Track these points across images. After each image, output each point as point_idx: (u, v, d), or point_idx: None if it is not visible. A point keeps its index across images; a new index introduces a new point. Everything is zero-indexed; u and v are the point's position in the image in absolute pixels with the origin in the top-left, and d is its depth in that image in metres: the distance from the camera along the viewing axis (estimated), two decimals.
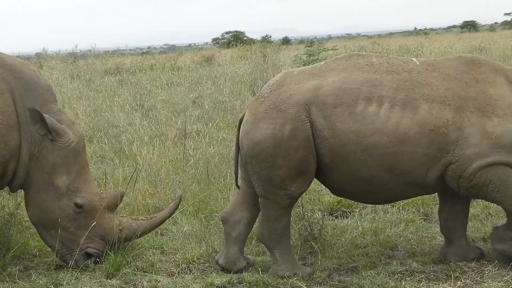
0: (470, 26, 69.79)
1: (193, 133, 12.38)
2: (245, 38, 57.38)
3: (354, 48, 31.26)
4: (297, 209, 7.13)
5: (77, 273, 6.27)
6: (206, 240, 7.04)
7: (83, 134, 6.71)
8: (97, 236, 6.51)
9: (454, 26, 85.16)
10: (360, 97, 5.84)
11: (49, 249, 6.74)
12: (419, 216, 7.84)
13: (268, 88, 6.15)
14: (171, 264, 6.61)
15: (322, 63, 6.30)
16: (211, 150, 10.66)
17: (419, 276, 6.02)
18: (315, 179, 6.20)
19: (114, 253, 6.52)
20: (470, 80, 6.01)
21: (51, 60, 32.05)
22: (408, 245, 6.85)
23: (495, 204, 6.49)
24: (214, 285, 6.00)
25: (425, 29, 61.42)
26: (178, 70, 25.86)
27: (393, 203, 7.78)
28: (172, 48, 72.49)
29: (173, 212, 6.93)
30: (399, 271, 6.16)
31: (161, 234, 7.53)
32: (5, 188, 6.71)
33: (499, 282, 5.77)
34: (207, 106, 15.35)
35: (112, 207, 6.64)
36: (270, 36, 51.05)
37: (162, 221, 6.83)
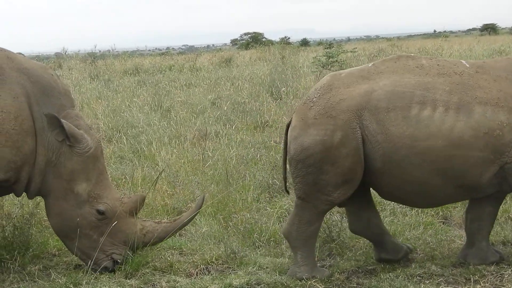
0: (490, 29, 69.43)
1: (212, 134, 12.40)
2: (263, 39, 57.32)
3: (373, 50, 31.15)
4: None
5: (97, 273, 6.30)
6: (225, 241, 7.05)
7: (100, 140, 6.64)
8: (121, 241, 6.46)
9: (474, 29, 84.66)
10: (413, 101, 5.80)
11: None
12: (438, 219, 7.80)
13: (316, 92, 6.07)
14: (189, 264, 6.63)
15: (369, 64, 6.24)
16: (230, 151, 10.68)
17: (438, 279, 6.00)
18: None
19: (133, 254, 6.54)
20: None
21: (70, 60, 32.17)
22: (427, 248, 6.82)
23: None
24: (233, 286, 6.02)
25: (445, 31, 61.14)
26: (197, 71, 25.89)
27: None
28: (191, 49, 72.60)
29: (196, 214, 6.85)
30: (418, 274, 6.14)
31: (179, 234, 7.50)
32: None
33: None
34: (225, 107, 15.32)
35: (134, 211, 6.54)
36: (289, 38, 50.94)
37: (186, 223, 6.76)
